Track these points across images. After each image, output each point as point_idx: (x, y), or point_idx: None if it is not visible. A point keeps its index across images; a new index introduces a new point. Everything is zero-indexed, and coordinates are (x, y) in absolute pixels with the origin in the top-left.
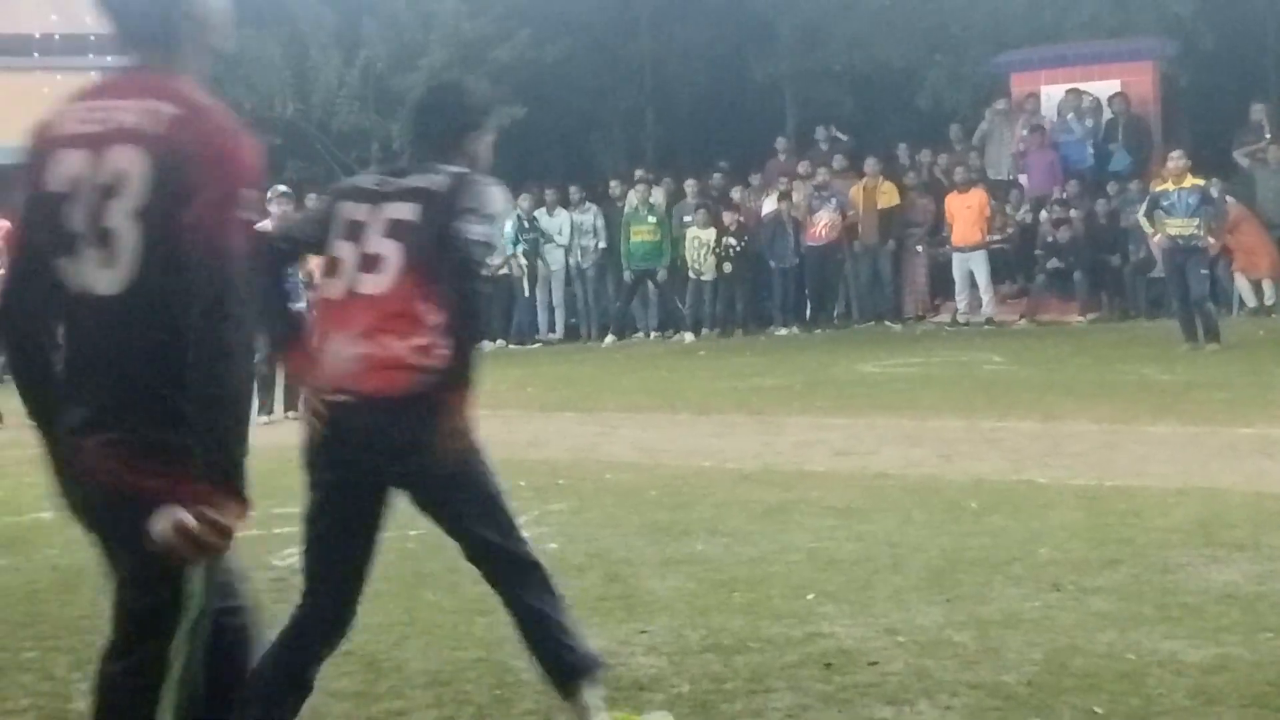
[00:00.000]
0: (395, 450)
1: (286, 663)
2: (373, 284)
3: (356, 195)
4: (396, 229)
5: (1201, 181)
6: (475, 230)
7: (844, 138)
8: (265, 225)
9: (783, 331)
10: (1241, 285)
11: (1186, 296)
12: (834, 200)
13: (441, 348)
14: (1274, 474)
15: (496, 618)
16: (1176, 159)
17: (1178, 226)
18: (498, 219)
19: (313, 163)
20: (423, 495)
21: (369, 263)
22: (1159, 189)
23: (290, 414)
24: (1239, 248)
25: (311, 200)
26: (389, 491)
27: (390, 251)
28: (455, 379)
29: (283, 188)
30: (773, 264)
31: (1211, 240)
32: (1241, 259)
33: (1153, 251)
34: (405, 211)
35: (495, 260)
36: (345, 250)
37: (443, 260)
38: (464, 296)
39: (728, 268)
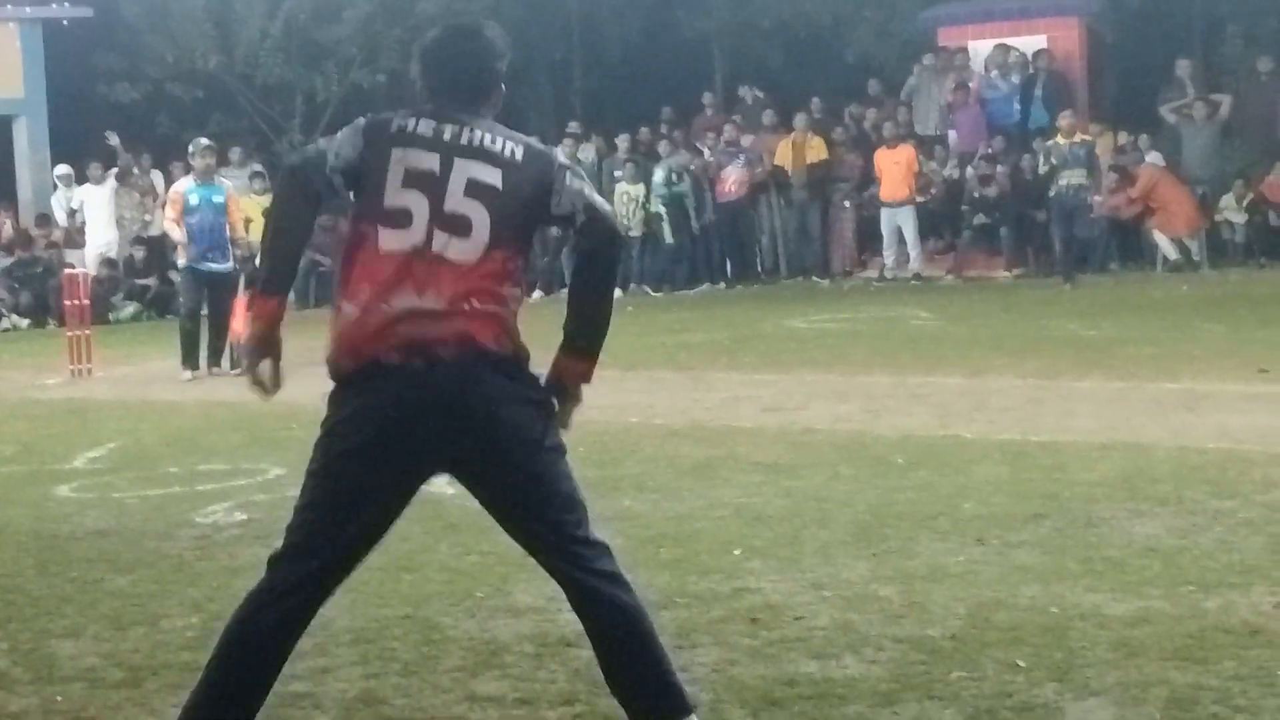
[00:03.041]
0: (476, 414)
1: (272, 628)
2: (458, 249)
3: (417, 141)
4: (480, 191)
5: (1089, 138)
6: (589, 188)
7: (760, 95)
8: (188, 181)
9: (705, 287)
10: (1161, 242)
11: (1070, 240)
12: (742, 156)
13: (512, 320)
14: (1198, 429)
15: (422, 575)
16: (1066, 116)
17: (1067, 176)
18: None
19: (236, 116)
20: (484, 473)
21: (452, 224)
22: (1051, 142)
23: (215, 370)
24: (1158, 206)
25: (339, 135)
26: (437, 467)
27: (476, 214)
28: (586, 348)
29: (205, 141)
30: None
31: (1097, 198)
32: (1160, 217)
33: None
34: (486, 174)
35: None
36: (415, 201)
37: (527, 235)
38: (602, 263)
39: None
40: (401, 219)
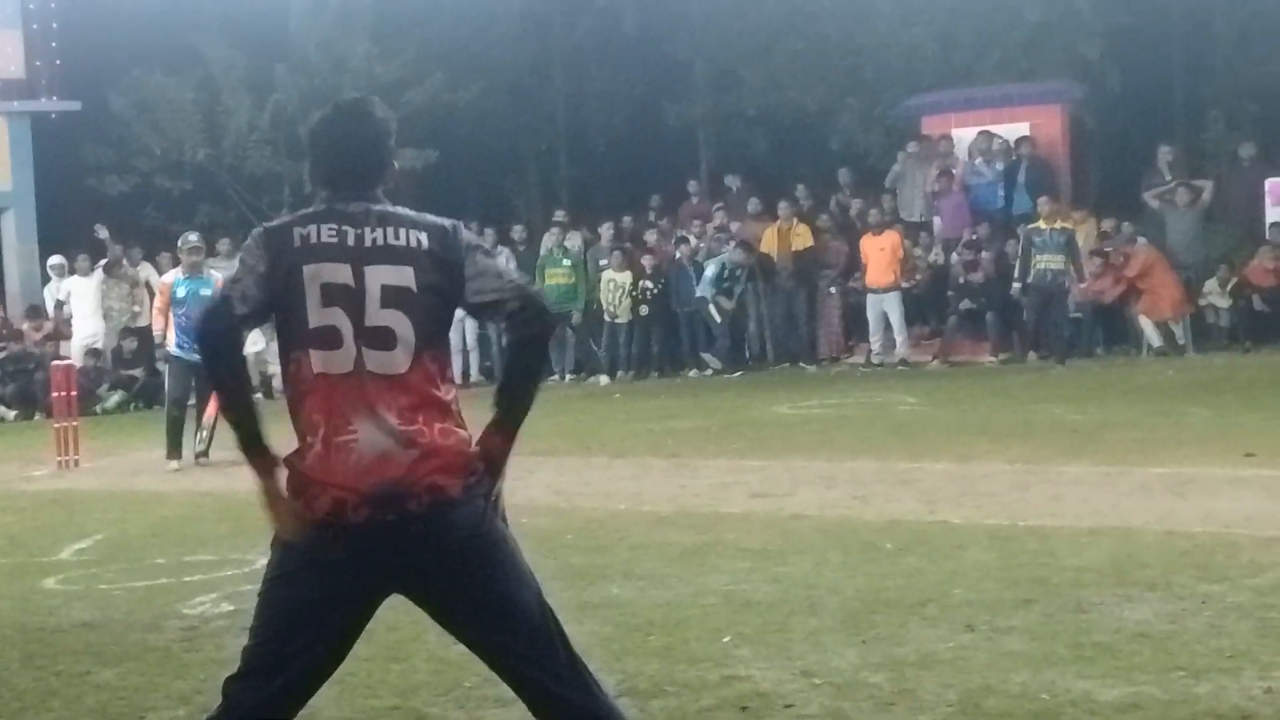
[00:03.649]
0: (441, 553)
1: None
2: (388, 362)
3: (324, 253)
4: (396, 297)
5: (1069, 225)
6: (504, 266)
7: (741, 184)
8: (177, 273)
9: (693, 374)
10: (1146, 328)
11: (1042, 322)
12: (733, 243)
13: (462, 428)
14: (1185, 513)
15: (410, 664)
16: (1044, 203)
17: (1045, 260)
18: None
19: (224, 207)
20: (444, 595)
21: (377, 338)
22: (1032, 227)
23: (201, 460)
24: (1146, 289)
25: (243, 256)
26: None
27: (398, 324)
28: (512, 424)
29: (194, 238)
30: (676, 309)
31: (1081, 285)
32: (1146, 301)
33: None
34: (398, 277)
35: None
36: (338, 318)
37: (448, 324)
38: (536, 345)
39: (644, 310)
40: (330, 339)
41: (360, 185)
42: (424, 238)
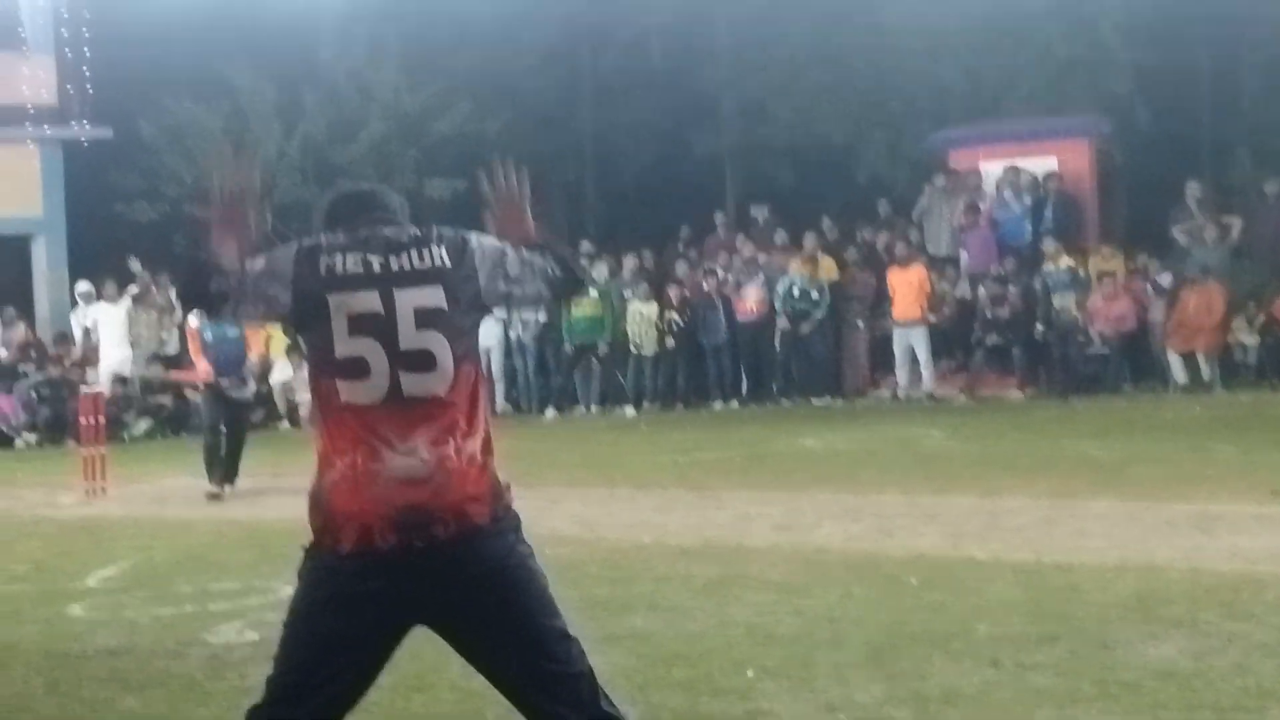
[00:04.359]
0: (470, 583)
1: None
2: (428, 384)
3: (350, 283)
4: (431, 318)
5: (1072, 263)
6: (526, 254)
7: (769, 215)
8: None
9: (718, 406)
10: (1173, 361)
11: (1063, 361)
12: (761, 275)
13: (492, 455)
14: (1211, 550)
15: (433, 695)
16: (1049, 242)
17: (1058, 299)
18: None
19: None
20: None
21: (415, 361)
22: (1047, 269)
23: (227, 486)
24: (1182, 320)
25: (272, 255)
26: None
27: (435, 344)
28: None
29: None
30: (703, 341)
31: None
32: (1178, 334)
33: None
34: (429, 297)
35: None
36: (368, 348)
37: (477, 334)
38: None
39: (670, 342)
40: (357, 369)
41: (378, 210)
42: (443, 251)
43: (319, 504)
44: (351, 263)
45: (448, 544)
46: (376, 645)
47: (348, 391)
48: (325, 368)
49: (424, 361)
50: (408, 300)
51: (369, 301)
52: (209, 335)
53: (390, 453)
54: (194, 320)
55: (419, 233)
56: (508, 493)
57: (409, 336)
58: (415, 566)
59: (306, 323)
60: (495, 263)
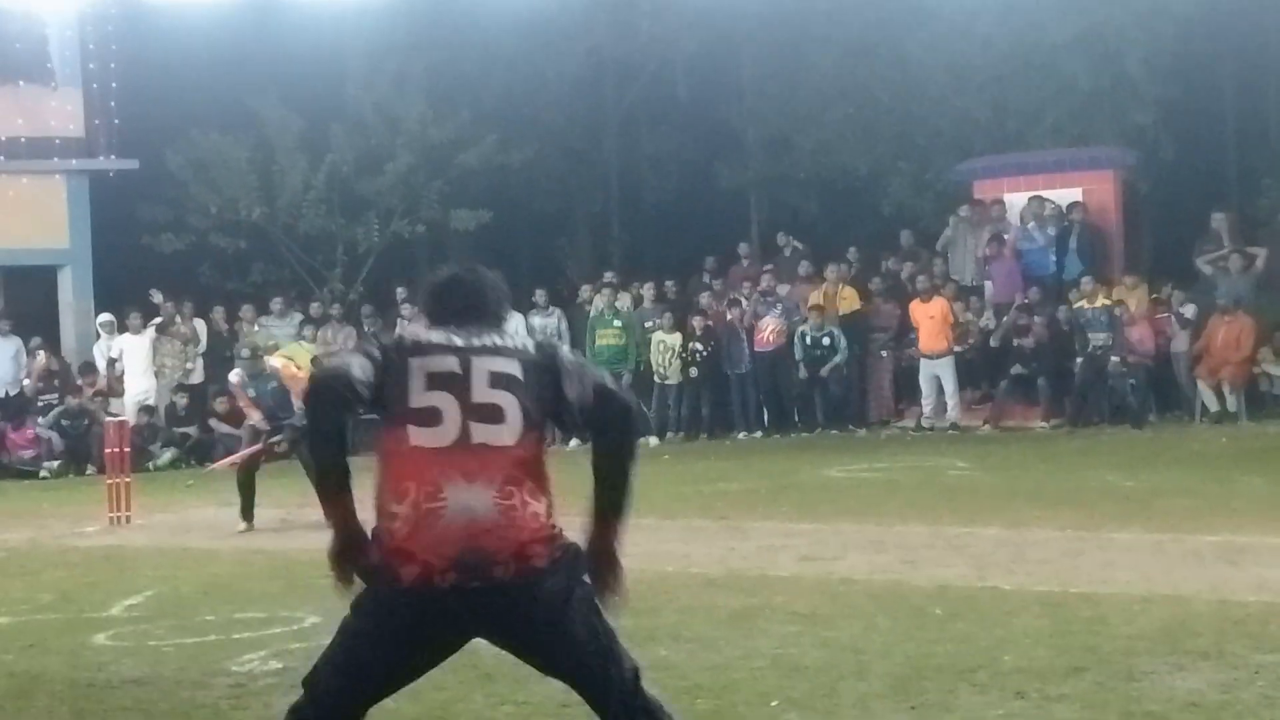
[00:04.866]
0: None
1: None
2: (497, 434)
3: (432, 350)
4: (503, 381)
5: (1109, 302)
6: (601, 377)
7: (800, 245)
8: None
9: (742, 436)
10: (1203, 390)
11: (1091, 394)
12: (779, 306)
13: (551, 501)
14: (1238, 581)
15: None
16: (1086, 282)
17: (1092, 338)
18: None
19: (278, 266)
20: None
21: (485, 413)
22: (1078, 306)
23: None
24: (1213, 349)
25: (359, 346)
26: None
27: (505, 401)
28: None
29: (246, 353)
30: (727, 371)
31: (1120, 358)
32: (1208, 363)
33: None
34: (505, 366)
35: None
36: (442, 400)
37: (545, 423)
38: (623, 446)
39: (694, 372)
40: (430, 418)
41: (477, 326)
42: (529, 344)
43: (387, 539)
44: (437, 335)
45: (506, 585)
46: (424, 668)
47: (418, 435)
48: (400, 416)
49: (494, 414)
50: (483, 366)
51: (448, 363)
52: (252, 391)
53: (452, 492)
54: (234, 377)
55: (510, 332)
56: (562, 535)
57: (481, 392)
58: (473, 606)
59: (385, 383)
60: (572, 371)
